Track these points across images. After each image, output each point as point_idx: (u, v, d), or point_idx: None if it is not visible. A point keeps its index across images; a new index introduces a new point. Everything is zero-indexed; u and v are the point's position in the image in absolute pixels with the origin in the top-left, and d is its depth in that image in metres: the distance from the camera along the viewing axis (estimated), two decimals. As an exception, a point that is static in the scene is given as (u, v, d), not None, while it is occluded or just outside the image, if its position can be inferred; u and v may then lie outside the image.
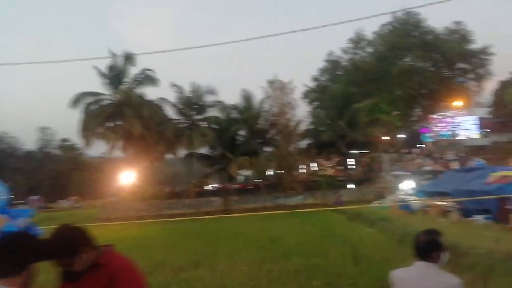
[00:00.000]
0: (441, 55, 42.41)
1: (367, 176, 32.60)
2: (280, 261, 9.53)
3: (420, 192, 19.99)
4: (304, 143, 34.63)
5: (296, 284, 7.49)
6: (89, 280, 1.92)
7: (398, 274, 2.46)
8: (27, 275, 1.68)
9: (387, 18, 45.10)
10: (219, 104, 31.54)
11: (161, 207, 27.55)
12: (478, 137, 38.67)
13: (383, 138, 35.17)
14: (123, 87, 29.42)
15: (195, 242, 14.23)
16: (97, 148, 32.20)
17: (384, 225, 14.19)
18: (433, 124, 42.12)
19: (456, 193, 15.69)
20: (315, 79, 48.39)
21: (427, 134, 42.59)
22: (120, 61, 29.36)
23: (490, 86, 43.16)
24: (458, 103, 41.11)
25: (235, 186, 34.58)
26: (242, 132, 31.68)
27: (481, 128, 39.61)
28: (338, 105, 33.78)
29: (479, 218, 13.09)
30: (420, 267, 2.34)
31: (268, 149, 33.02)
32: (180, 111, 31.29)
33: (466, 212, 13.93)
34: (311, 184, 30.76)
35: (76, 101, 28.71)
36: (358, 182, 30.79)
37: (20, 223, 4.74)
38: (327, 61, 48.01)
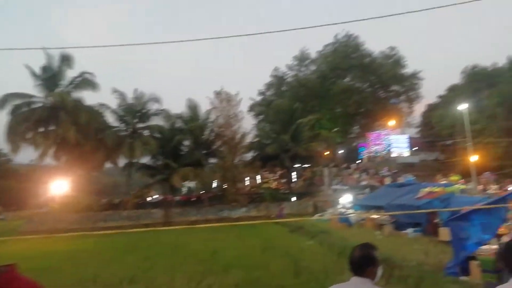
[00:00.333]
0: (377, 77, 45.55)
1: (309, 189, 33.55)
2: (220, 275, 9.36)
3: (357, 205, 20.94)
4: (249, 156, 34.85)
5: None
6: None
7: None
8: None
9: (329, 39, 47.86)
10: (163, 113, 30.69)
11: (96, 219, 25.85)
12: (408, 155, 41.75)
13: (324, 152, 36.57)
14: (58, 90, 27.45)
15: (131, 256, 13.52)
16: (26, 155, 29.59)
17: (324, 238, 14.58)
18: (370, 141, 44.80)
19: (390, 207, 16.66)
20: (261, 93, 49.32)
21: (364, 151, 45.11)
22: (56, 62, 27.48)
23: (419, 108, 47.15)
24: (391, 122, 44.23)
25: (178, 197, 33.66)
26: (186, 142, 31.05)
27: (411, 146, 42.88)
28: (282, 119, 34.57)
29: (410, 231, 13.96)
30: (356, 282, 2.33)
31: (213, 160, 32.69)
32: (121, 118, 29.90)
33: (399, 225, 14.80)
34: (255, 197, 30.88)
35: (2, 103, 26.21)
36: (300, 195, 31.51)
37: None
38: (273, 76, 49.27)
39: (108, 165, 33.19)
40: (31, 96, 27.47)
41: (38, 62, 27.55)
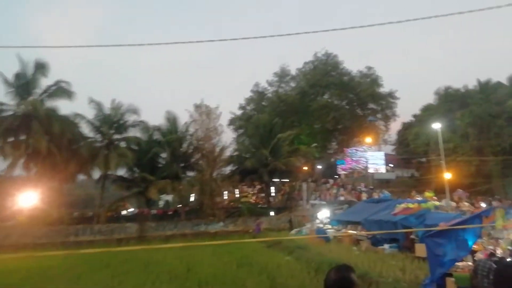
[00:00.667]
0: (355, 95, 46.59)
1: (287, 204, 33.45)
2: (195, 292, 9.04)
3: (335, 221, 20.96)
4: (228, 170, 34.57)
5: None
6: None
7: None
8: None
9: (309, 57, 48.86)
10: (141, 124, 30.17)
11: (67, 233, 24.79)
12: (385, 171, 42.49)
13: (302, 167, 36.72)
14: (31, 98, 26.54)
15: (101, 273, 12.98)
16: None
17: (301, 253, 14.43)
18: (347, 157, 45.41)
19: (367, 223, 16.74)
20: (242, 107, 49.47)
21: (342, 166, 45.63)
22: (30, 69, 26.64)
23: (395, 127, 48.33)
24: (368, 139, 45.09)
25: (154, 211, 32.84)
26: (164, 155, 30.54)
27: (387, 163, 43.70)
28: (262, 134, 34.62)
29: (387, 247, 14.02)
30: None
31: (191, 173, 32.26)
32: (97, 129, 29.13)
33: (376, 241, 14.85)
34: (233, 211, 30.50)
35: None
36: (278, 210, 31.36)
37: None
38: (253, 91, 49.60)
39: (82, 177, 32.19)
40: (1, 104, 26.45)
41: (11, 68, 26.70)
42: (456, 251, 8.54)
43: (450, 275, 8.51)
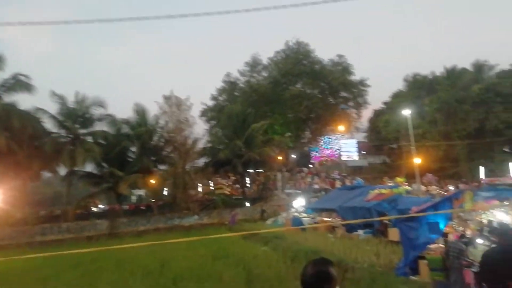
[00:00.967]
0: (327, 84, 46.91)
1: (262, 194, 33.43)
2: (169, 288, 8.74)
3: (310, 209, 21.08)
4: (201, 162, 34.02)
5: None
6: None
7: None
8: None
9: (281, 46, 48.66)
10: (109, 118, 28.99)
11: (32, 233, 23.68)
12: (357, 159, 43.28)
13: (277, 157, 36.73)
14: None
15: (71, 273, 12.44)
16: None
17: (277, 243, 14.36)
18: (321, 145, 45.91)
19: (341, 210, 16.87)
20: (214, 98, 48.77)
21: (316, 155, 46.12)
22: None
23: (366, 114, 49.20)
24: (341, 127, 45.69)
25: (125, 207, 31.95)
26: (134, 149, 29.59)
27: (360, 150, 44.51)
28: (235, 124, 34.25)
29: (361, 232, 14.16)
30: None
31: (163, 167, 31.48)
32: (61, 124, 27.75)
33: (351, 227, 14.98)
34: (207, 204, 30.13)
35: None
36: (253, 201, 31.27)
37: None
38: (225, 82, 48.96)
39: (48, 174, 30.76)
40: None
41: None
42: (428, 234, 8.64)
43: (423, 257, 8.60)
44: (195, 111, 45.81)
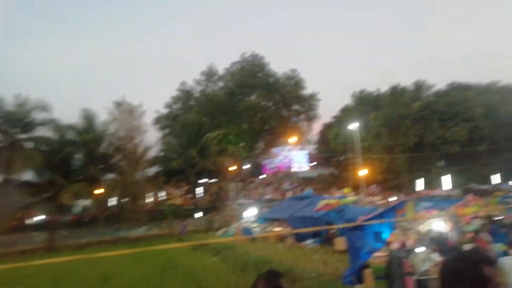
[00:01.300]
0: (280, 97, 48.01)
1: (215, 204, 33.05)
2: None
3: (261, 218, 21.19)
4: (152, 171, 32.97)
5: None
6: None
7: None
8: None
9: (236, 58, 49.12)
10: (52, 122, 27.22)
11: (-43, 248, 21.40)
12: (308, 169, 44.46)
13: (230, 167, 36.65)
14: None
15: (0, 291, 11.29)
16: None
17: (227, 254, 14.23)
18: (273, 156, 46.61)
19: (292, 219, 17.13)
20: (168, 106, 47.82)
21: (268, 166, 46.68)
22: None
23: (317, 127, 50.91)
24: (293, 139, 46.79)
25: (68, 218, 29.96)
26: (79, 156, 27.98)
27: (310, 161, 45.80)
28: (189, 133, 33.76)
29: (310, 242, 14.46)
30: None
31: (111, 176, 30.03)
32: (-2, 128, 25.60)
33: (300, 237, 15.25)
34: (157, 214, 29.17)
35: None
36: (205, 211, 30.81)
37: None
38: (180, 90, 48.28)
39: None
40: None
41: None
42: (373, 243, 9.02)
43: (368, 266, 8.95)
44: (148, 119, 44.56)
